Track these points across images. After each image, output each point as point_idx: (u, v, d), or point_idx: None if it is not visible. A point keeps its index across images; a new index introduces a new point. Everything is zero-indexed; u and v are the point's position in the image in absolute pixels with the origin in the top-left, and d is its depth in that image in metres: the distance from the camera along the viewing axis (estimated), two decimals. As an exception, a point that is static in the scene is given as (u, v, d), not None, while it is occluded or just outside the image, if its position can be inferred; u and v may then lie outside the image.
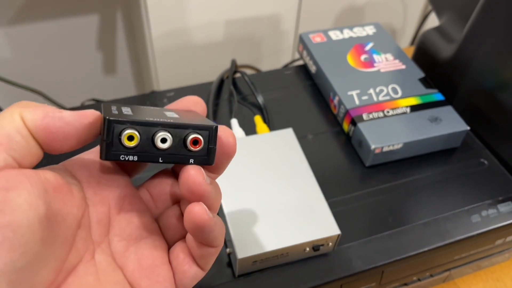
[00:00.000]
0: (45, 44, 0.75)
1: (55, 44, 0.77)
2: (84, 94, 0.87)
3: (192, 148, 0.23)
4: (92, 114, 0.22)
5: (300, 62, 0.60)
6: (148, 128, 0.22)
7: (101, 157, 0.22)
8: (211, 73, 0.93)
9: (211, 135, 0.23)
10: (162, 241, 0.25)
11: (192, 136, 0.22)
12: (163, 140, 0.22)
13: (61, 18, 0.73)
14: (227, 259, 0.38)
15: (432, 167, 0.46)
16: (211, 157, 0.23)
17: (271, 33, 0.92)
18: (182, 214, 0.25)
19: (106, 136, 0.21)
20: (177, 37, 0.82)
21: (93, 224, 0.23)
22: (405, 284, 0.43)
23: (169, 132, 0.22)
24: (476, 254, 0.44)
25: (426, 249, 0.40)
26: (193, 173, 0.22)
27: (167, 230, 0.26)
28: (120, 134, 0.21)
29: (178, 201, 0.26)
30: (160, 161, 0.23)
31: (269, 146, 0.42)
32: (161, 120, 0.22)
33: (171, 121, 0.22)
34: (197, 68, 0.91)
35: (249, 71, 0.62)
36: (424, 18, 0.83)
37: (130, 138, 0.21)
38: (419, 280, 0.44)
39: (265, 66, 0.99)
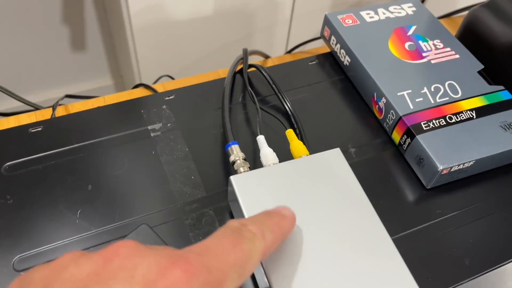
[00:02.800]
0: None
1: (9, 21, 0.64)
2: (49, 80, 0.74)
3: None
4: None
5: (311, 46, 0.49)
6: None
7: None
8: (197, 51, 0.81)
9: None
10: None
11: None
12: None
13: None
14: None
15: (505, 186, 0.37)
16: None
17: (265, 3, 0.80)
18: None
19: None
20: (158, 11, 0.69)
21: None
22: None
23: None
24: None
25: (517, 301, 0.31)
26: None
27: None
28: None
29: None
30: None
31: (315, 175, 0.32)
32: None
33: None
34: (181, 45, 0.79)
35: (256, 57, 0.51)
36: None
37: None
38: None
39: (258, 43, 0.87)
